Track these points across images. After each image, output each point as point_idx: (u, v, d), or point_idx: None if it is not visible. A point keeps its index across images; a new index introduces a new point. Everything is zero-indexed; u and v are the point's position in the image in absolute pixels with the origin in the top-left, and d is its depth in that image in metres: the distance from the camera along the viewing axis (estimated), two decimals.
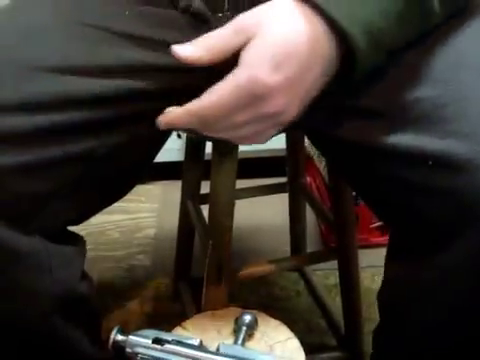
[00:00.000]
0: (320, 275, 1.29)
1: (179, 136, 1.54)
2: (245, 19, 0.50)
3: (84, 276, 0.76)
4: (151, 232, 1.47)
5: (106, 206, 0.71)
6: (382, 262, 1.28)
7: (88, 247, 0.75)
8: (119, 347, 0.52)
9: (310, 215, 1.34)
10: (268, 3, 0.51)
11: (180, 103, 0.55)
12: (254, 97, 0.49)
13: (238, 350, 0.52)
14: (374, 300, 1.22)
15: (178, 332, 0.51)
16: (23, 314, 0.63)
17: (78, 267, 0.72)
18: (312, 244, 1.34)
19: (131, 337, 0.54)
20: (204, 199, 1.04)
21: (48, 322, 0.66)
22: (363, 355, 1.07)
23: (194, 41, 0.52)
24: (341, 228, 0.97)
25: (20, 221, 0.58)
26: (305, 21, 0.48)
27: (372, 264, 1.33)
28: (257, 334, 0.51)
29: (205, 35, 0.52)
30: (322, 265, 1.22)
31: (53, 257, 0.64)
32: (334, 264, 1.04)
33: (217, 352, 0.52)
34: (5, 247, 0.58)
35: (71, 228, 0.70)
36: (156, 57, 0.61)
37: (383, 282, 0.69)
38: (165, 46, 0.55)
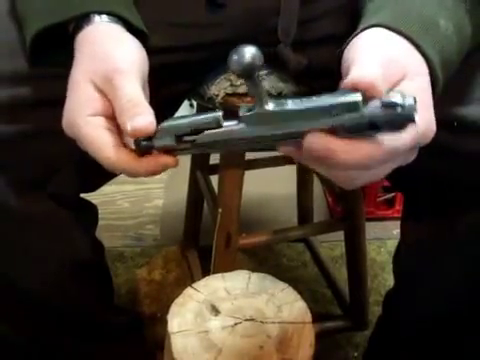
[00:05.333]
0: (326, 247, 1.31)
1: (192, 105, 1.53)
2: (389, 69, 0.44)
3: (96, 243, 0.77)
4: (159, 203, 1.48)
5: (115, 175, 0.72)
6: (388, 234, 1.32)
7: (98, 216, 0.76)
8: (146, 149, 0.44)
9: (317, 188, 1.36)
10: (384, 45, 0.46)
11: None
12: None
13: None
14: (379, 271, 1.26)
15: (188, 292, 0.52)
16: (36, 278, 0.65)
17: (89, 234, 0.73)
18: (319, 216, 1.35)
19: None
20: (213, 170, 1.06)
21: (61, 287, 0.68)
22: (367, 324, 1.09)
23: None
24: (348, 199, 0.98)
25: (34, 186, 0.60)
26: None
27: (378, 236, 1.35)
28: (265, 295, 0.53)
29: None
30: (328, 237, 1.24)
31: (65, 223, 0.66)
32: (340, 236, 1.05)
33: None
34: (19, 212, 0.59)
35: (84, 197, 0.71)
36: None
37: (400, 246, 0.71)
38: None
